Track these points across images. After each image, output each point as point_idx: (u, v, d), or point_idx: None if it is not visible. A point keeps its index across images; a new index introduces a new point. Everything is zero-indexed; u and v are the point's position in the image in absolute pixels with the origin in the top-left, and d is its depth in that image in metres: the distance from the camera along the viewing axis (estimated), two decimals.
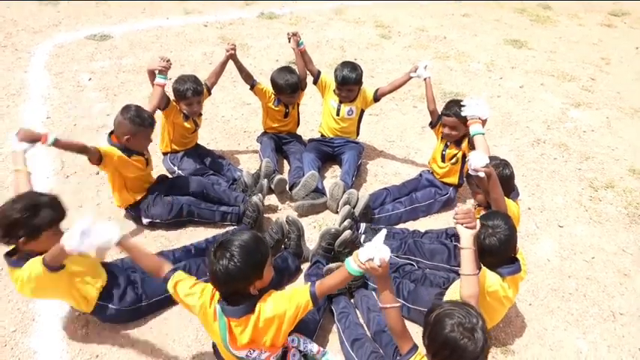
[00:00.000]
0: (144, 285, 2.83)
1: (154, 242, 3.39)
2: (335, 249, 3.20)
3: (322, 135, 4.41)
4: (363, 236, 3.43)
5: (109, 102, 5.03)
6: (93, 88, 5.29)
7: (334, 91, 4.16)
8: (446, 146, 3.82)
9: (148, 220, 3.49)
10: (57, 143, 2.86)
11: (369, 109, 4.48)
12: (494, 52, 7.12)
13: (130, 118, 3.17)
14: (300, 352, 2.51)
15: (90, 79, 5.48)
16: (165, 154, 4.08)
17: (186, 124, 3.93)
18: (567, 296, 3.22)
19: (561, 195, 4.19)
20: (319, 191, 3.84)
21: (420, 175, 4.07)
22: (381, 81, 5.95)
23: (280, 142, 4.35)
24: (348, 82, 4.01)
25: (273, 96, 4.20)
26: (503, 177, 2.93)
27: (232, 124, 4.87)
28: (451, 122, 3.65)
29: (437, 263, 3.25)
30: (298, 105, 4.43)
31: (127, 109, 3.22)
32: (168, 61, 3.64)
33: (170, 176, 3.88)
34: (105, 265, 2.80)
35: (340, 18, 7.92)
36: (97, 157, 3.08)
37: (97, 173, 3.91)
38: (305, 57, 4.17)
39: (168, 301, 2.87)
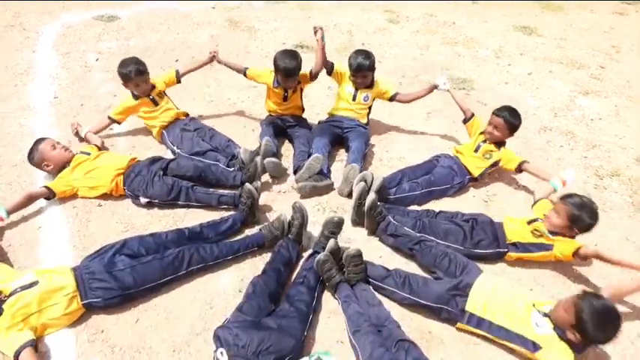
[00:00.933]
0: (134, 272, 2.78)
1: (159, 222, 3.42)
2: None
3: (332, 115, 4.44)
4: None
5: (115, 83, 5.00)
6: (100, 69, 5.31)
7: (350, 77, 4.22)
8: (484, 141, 3.97)
9: (146, 199, 3.50)
10: (9, 211, 3.22)
11: None
12: (503, 39, 7.06)
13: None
14: None
15: (97, 59, 5.49)
16: (161, 135, 4.14)
17: (138, 102, 4.09)
18: (568, 283, 3.23)
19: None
20: (323, 174, 3.85)
21: (437, 159, 4.07)
22: (389, 66, 5.95)
23: (284, 125, 4.35)
24: (362, 68, 4.07)
25: (272, 75, 4.19)
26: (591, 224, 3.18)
27: (238, 107, 4.86)
28: (498, 122, 3.86)
29: (450, 244, 3.28)
30: (302, 90, 4.41)
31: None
32: None
33: (165, 157, 3.86)
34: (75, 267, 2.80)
35: (348, 2, 7.86)
36: (49, 195, 3.43)
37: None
38: (323, 52, 4.18)
39: (161, 287, 2.89)
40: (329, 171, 4.01)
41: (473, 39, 6.95)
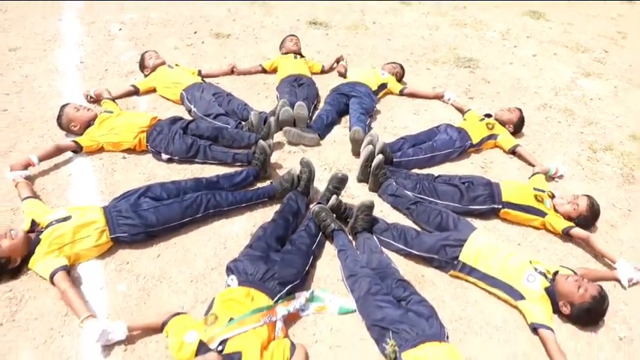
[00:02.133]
0: (156, 212, 3.08)
1: (178, 174, 3.70)
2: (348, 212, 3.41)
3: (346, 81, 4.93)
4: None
5: (137, 51, 5.30)
6: (123, 38, 5.59)
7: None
8: (490, 115, 4.44)
9: (167, 156, 3.80)
10: (40, 158, 3.48)
11: None
12: (512, 22, 7.26)
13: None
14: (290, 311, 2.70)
15: (120, 29, 5.77)
16: (181, 96, 4.42)
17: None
18: (555, 239, 3.48)
19: (560, 155, 4.41)
20: (312, 127, 4.23)
21: (438, 127, 4.33)
22: (398, 44, 6.18)
23: (297, 83, 4.68)
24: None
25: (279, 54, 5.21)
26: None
27: (253, 76, 5.12)
28: (514, 109, 4.50)
29: (448, 202, 3.54)
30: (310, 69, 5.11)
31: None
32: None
33: (184, 117, 4.12)
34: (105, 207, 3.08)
35: None
36: (76, 148, 3.70)
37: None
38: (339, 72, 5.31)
39: (180, 228, 3.20)
40: (327, 126, 4.37)
41: (482, 21, 7.15)
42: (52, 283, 2.70)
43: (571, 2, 8.34)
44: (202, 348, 2.33)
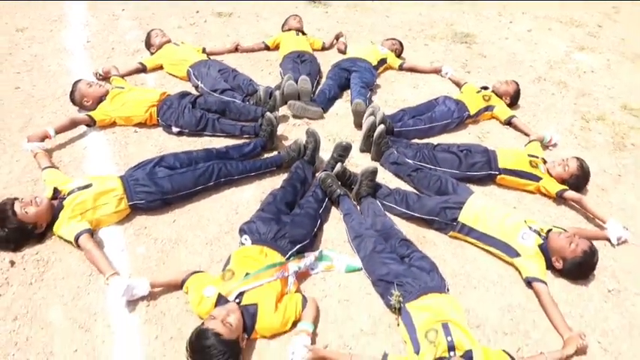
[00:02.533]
0: (171, 180, 3.25)
1: (189, 146, 3.85)
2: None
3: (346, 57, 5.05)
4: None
5: (142, 30, 5.41)
6: (127, 18, 5.71)
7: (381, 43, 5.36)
8: (486, 88, 4.57)
9: (178, 129, 3.96)
10: (56, 131, 3.63)
11: None
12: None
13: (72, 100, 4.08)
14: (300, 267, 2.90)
15: (123, 9, 5.88)
16: (188, 73, 4.56)
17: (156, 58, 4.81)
18: (548, 202, 3.67)
19: (555, 125, 4.58)
20: (315, 101, 4.39)
21: (437, 99, 4.48)
22: (396, 20, 6.30)
23: (299, 60, 4.81)
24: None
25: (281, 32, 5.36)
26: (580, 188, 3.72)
27: (256, 53, 5.25)
28: (511, 81, 4.64)
29: (446, 169, 3.72)
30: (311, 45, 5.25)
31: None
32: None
33: (192, 93, 4.29)
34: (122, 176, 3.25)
35: None
36: (89, 122, 3.86)
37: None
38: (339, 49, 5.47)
39: (195, 194, 3.37)
40: (330, 100, 4.52)
41: None
42: (77, 245, 2.87)
43: None
44: (221, 300, 2.53)
